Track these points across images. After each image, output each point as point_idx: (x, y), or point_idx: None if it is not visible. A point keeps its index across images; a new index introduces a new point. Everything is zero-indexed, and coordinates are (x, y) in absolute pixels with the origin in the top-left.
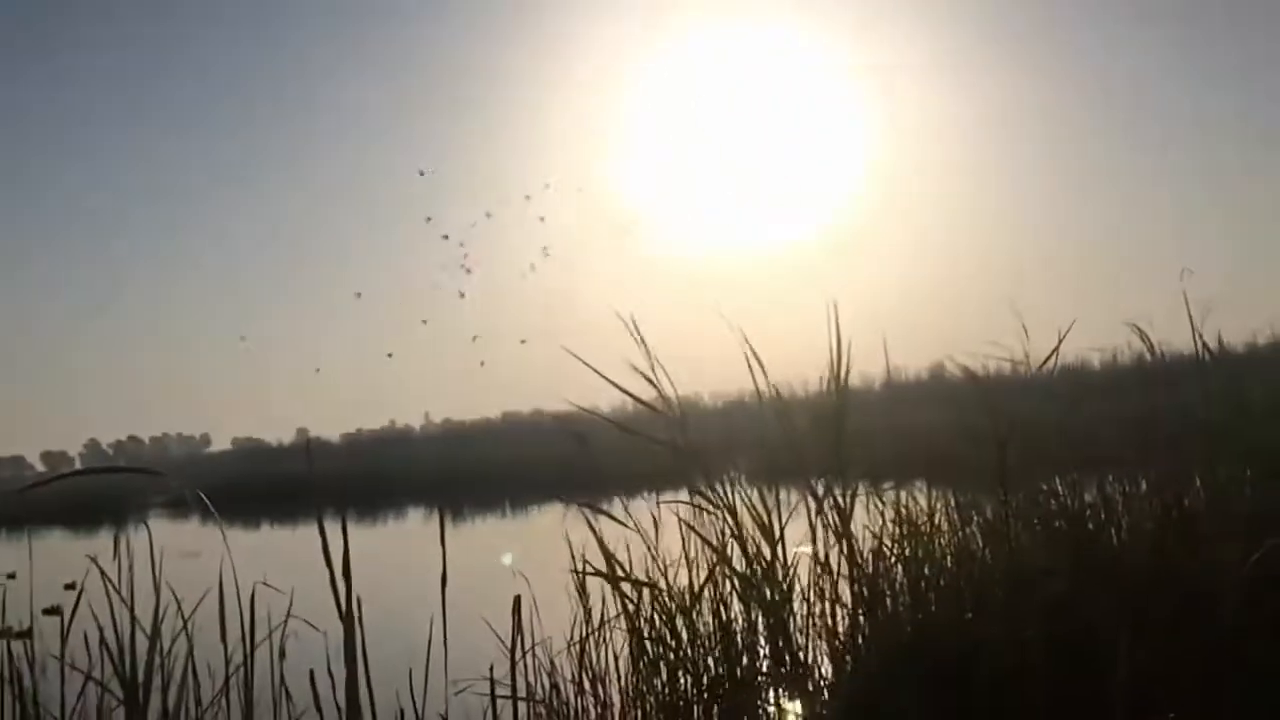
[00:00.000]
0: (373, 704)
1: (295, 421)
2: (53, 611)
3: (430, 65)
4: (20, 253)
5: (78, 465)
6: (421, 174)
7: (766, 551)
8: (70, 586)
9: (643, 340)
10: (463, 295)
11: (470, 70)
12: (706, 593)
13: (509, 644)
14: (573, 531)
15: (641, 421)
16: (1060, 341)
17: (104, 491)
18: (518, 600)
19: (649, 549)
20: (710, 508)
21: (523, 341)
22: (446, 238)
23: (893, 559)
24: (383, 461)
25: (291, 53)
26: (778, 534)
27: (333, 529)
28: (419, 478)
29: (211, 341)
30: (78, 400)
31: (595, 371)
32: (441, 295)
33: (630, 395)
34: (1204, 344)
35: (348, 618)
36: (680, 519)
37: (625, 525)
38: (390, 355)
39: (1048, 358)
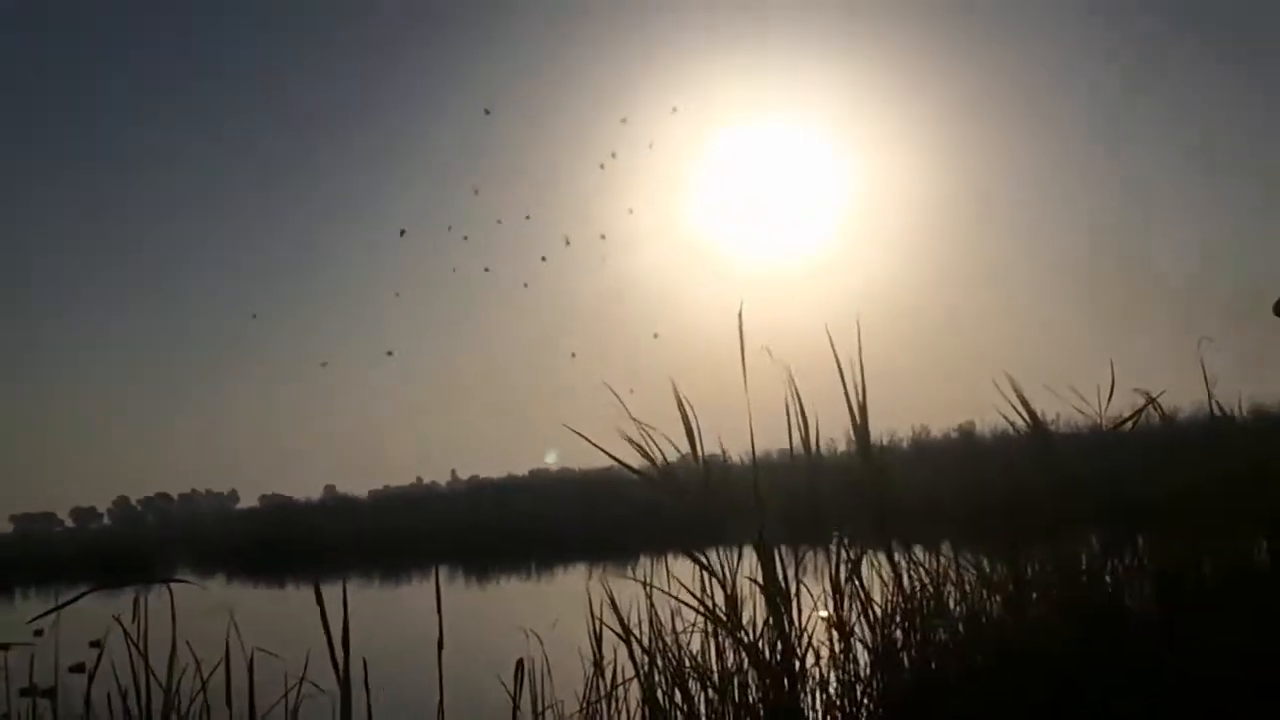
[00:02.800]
0: None
1: (324, 478)
2: (78, 669)
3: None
4: (48, 303)
5: (106, 521)
6: (487, 113)
7: (773, 616)
8: (95, 644)
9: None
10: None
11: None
12: (714, 654)
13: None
14: (594, 592)
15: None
16: (1149, 403)
17: (132, 549)
18: (520, 664)
19: (670, 610)
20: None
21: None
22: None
23: (903, 621)
24: (409, 519)
25: None
26: (787, 597)
27: (350, 590)
28: (445, 536)
29: (243, 396)
30: (108, 455)
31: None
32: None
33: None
34: (1219, 410)
35: (344, 684)
36: (681, 583)
37: (646, 585)
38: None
39: (1128, 419)
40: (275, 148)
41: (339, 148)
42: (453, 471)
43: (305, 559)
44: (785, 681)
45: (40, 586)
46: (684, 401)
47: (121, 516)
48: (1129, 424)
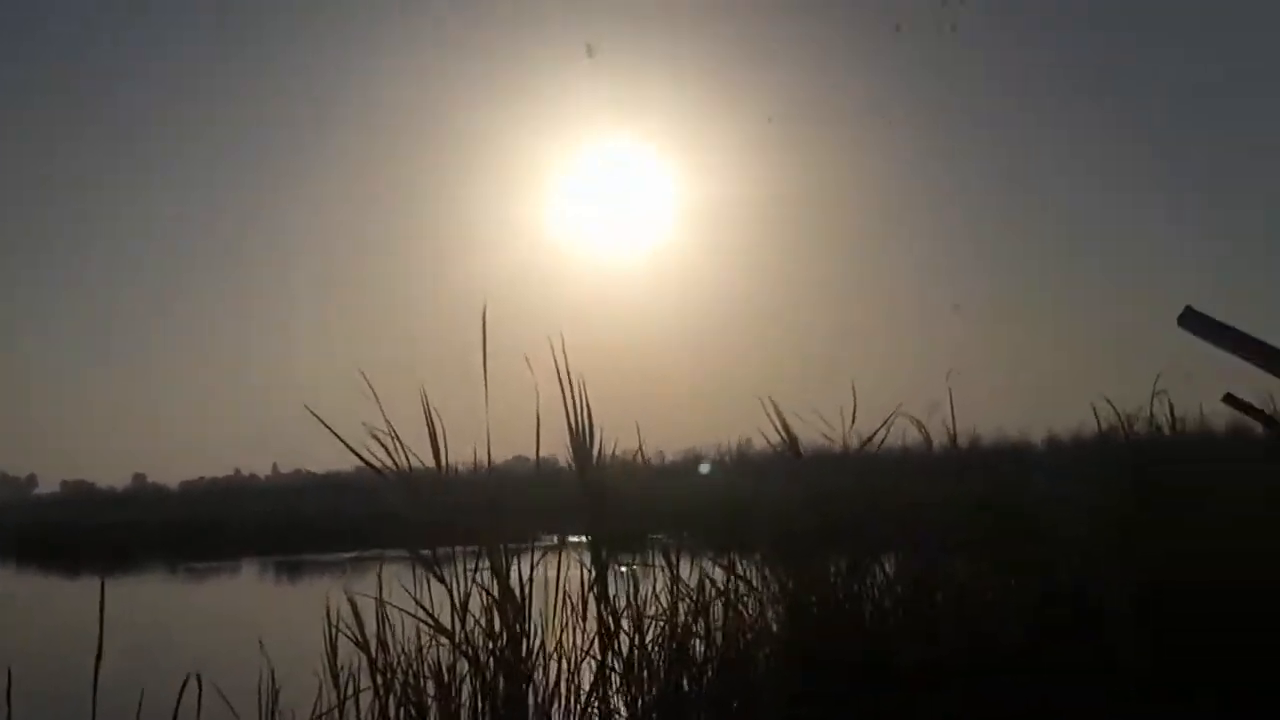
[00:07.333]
0: None
1: (133, 465)
2: None
3: None
4: None
5: None
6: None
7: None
8: None
9: None
10: None
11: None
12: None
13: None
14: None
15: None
16: (887, 421)
17: None
18: (188, 680)
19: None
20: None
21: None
22: None
23: (637, 627)
24: (223, 512)
25: None
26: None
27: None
28: (260, 529)
29: (50, 373)
30: None
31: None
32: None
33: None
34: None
35: None
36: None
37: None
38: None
39: (871, 437)
40: None
41: None
42: (274, 464)
43: (106, 549)
44: (510, 689)
45: None
46: (430, 411)
47: None
48: (874, 440)
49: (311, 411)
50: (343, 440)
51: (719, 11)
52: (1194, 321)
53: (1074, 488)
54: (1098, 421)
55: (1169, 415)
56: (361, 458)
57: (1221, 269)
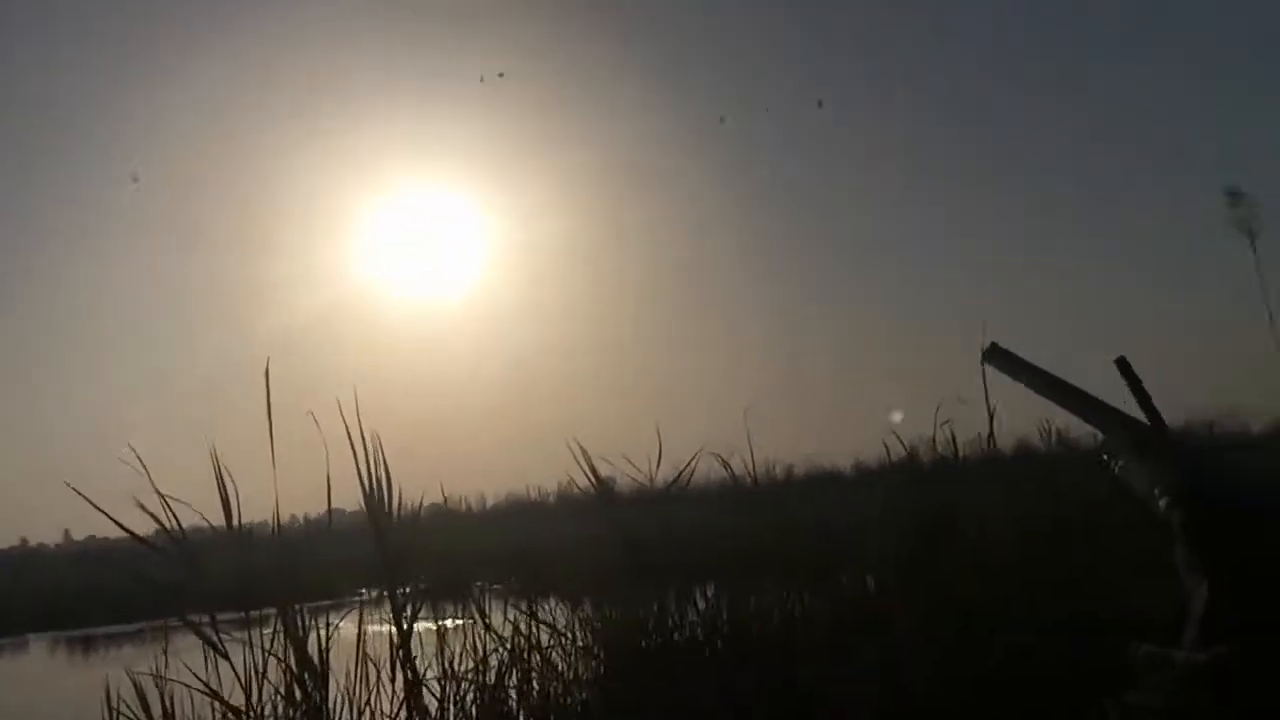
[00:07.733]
0: None
1: None
2: None
3: None
4: None
5: None
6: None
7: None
8: None
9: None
10: None
11: None
12: None
13: None
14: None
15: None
16: (693, 461)
17: None
18: None
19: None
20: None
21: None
22: None
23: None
24: (8, 583)
25: None
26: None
27: None
28: (49, 602)
29: None
30: None
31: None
32: None
33: (124, 528)
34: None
35: None
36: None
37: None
38: None
39: (679, 475)
40: None
41: None
42: (65, 531)
43: None
44: None
45: None
46: (221, 470)
47: None
48: (681, 478)
49: (72, 487)
50: (103, 511)
51: (535, 58)
52: (998, 358)
53: (873, 512)
54: (888, 453)
55: (951, 441)
56: (123, 526)
57: (1023, 302)
